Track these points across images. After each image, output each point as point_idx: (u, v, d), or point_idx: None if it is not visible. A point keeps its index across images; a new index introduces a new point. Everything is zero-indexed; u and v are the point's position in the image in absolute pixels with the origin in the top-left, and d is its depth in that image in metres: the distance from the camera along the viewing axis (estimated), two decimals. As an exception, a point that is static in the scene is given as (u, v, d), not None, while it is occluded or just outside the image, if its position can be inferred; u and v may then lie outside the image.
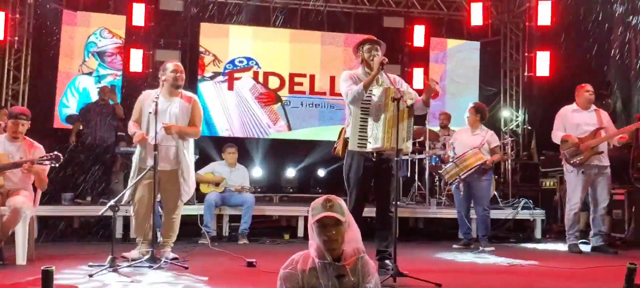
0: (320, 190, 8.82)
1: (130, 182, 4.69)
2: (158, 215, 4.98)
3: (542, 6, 8.62)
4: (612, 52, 8.90)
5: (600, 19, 8.84)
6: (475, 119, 6.04)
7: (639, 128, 5.79)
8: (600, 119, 5.68)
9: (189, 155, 4.80)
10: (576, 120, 5.73)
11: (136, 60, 8.60)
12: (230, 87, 9.34)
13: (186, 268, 4.32)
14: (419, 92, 4.33)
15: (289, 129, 9.42)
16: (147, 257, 4.36)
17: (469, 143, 5.90)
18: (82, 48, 8.90)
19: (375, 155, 4.06)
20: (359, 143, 4.08)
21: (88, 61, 8.91)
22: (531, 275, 4.47)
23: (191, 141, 4.89)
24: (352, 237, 2.45)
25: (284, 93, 9.48)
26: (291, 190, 8.73)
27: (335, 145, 4.41)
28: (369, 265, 2.47)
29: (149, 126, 4.61)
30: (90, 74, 8.90)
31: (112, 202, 4.22)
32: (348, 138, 4.19)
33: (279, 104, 9.44)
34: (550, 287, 3.81)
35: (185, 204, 6.23)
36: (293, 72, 9.53)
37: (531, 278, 4.31)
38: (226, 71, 9.34)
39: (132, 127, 4.75)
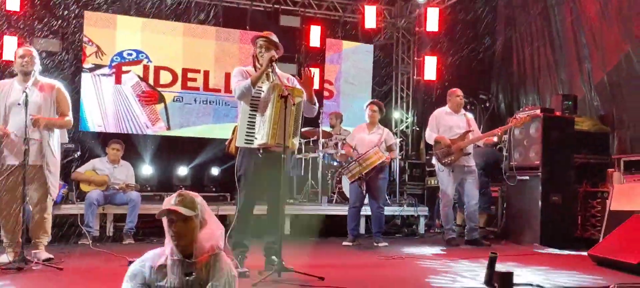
0: (214, 189, 8.63)
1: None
2: (29, 214, 4.61)
3: (431, 13, 9.10)
4: (495, 57, 9.63)
5: (485, 26, 9.55)
6: (379, 116, 6.22)
7: (508, 131, 6.31)
8: (468, 122, 6.15)
9: (55, 148, 4.48)
10: (449, 122, 6.15)
11: (10, 48, 7.87)
12: (118, 81, 8.83)
13: (61, 269, 4.05)
14: (315, 92, 4.38)
15: (168, 129, 9.05)
16: (16, 259, 4.02)
17: (368, 141, 6.06)
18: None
19: (261, 151, 4.04)
20: (246, 139, 4.06)
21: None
22: (410, 267, 4.70)
23: (57, 133, 4.55)
24: (211, 234, 2.36)
25: (176, 88, 9.14)
26: (183, 189, 8.43)
27: (227, 143, 4.36)
28: (222, 263, 2.38)
29: (8, 119, 4.26)
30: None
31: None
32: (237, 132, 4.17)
33: (162, 104, 9.05)
34: (428, 276, 4.01)
35: (63, 204, 5.86)
36: (186, 67, 9.22)
37: (410, 270, 4.52)
38: (113, 63, 8.81)
39: None
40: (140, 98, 8.91)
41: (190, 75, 9.23)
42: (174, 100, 9.10)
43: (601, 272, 4.35)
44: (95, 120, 8.64)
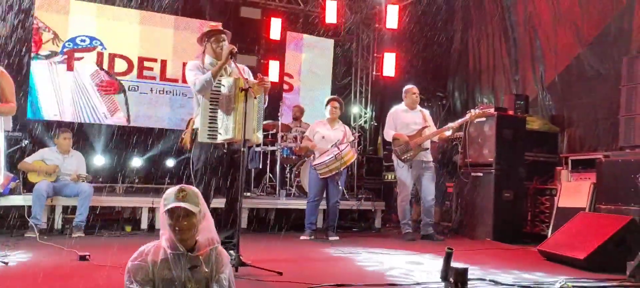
0: (168, 181, 8.45)
1: None
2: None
3: (391, 10, 9.18)
4: (452, 55, 9.81)
5: (442, 24, 9.70)
6: (340, 112, 6.24)
7: (462, 126, 6.46)
8: (424, 118, 6.27)
9: (1, 137, 4.26)
10: (406, 119, 6.26)
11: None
12: (70, 68, 8.50)
13: (6, 263, 3.87)
14: (273, 84, 4.37)
15: (128, 121, 8.85)
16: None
17: (333, 137, 6.08)
18: None
19: (226, 145, 4.00)
20: (209, 134, 4.02)
21: None
22: (369, 262, 4.73)
23: (1, 120, 4.33)
24: (207, 227, 2.42)
25: (131, 77, 8.89)
26: (136, 181, 8.23)
27: (182, 136, 4.31)
28: (223, 256, 2.46)
29: None
30: None
31: None
32: (196, 129, 4.12)
33: (122, 94, 8.80)
34: (385, 270, 4.06)
35: (10, 194, 5.60)
36: (142, 55, 8.98)
37: (366, 264, 4.55)
38: (65, 49, 8.48)
39: None
40: (100, 87, 8.62)
41: (146, 63, 9.00)
42: (129, 89, 8.85)
43: (550, 266, 4.51)
44: (51, 109, 8.30)
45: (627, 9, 6.37)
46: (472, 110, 6.35)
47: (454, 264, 3.24)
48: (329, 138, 6.08)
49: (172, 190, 2.35)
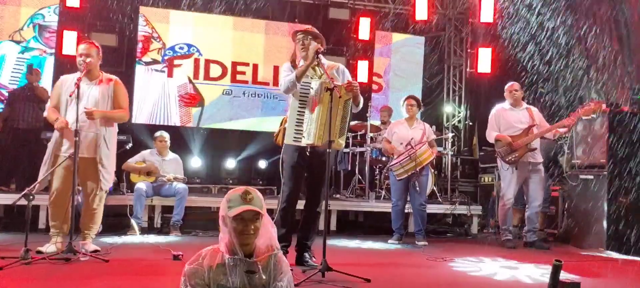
0: (260, 182, 8.61)
1: (43, 169, 4.37)
2: (80, 205, 4.69)
3: (485, 3, 8.69)
4: (557, 48, 9.12)
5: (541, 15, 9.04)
6: (417, 110, 6.02)
7: (570, 126, 5.89)
8: (531, 116, 5.80)
9: (110, 142, 4.51)
10: (510, 118, 5.84)
11: (70, 42, 8.09)
12: (170, 74, 8.94)
13: (107, 261, 4.08)
14: (362, 85, 4.23)
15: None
16: (64, 249, 4.07)
17: (410, 136, 5.84)
18: (24, 15, 8.34)
19: (309, 150, 3.94)
20: (294, 137, 4.00)
21: (25, 31, 8.34)
22: (460, 271, 4.44)
23: (114, 127, 4.59)
24: (266, 232, 2.31)
25: (226, 82, 9.17)
26: (231, 182, 8.44)
27: (275, 134, 4.32)
28: (283, 263, 2.33)
29: (67, 111, 4.33)
30: (18, 42, 8.33)
31: (26, 191, 3.91)
32: (286, 127, 4.11)
33: (199, 108, 9.04)
34: (476, 283, 3.77)
35: (114, 194, 5.95)
36: (235, 60, 9.23)
37: (460, 275, 4.26)
38: (166, 57, 8.94)
39: (50, 113, 4.45)
40: (182, 98, 8.97)
41: (239, 68, 9.24)
42: (223, 94, 9.13)
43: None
44: (141, 113, 8.77)
45: None
46: (587, 104, 5.77)
47: (564, 278, 2.89)
48: (404, 137, 5.84)
49: (236, 193, 2.26)
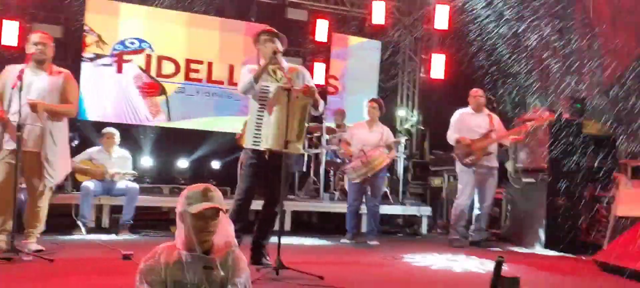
0: (214, 182, 8.48)
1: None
2: (23, 203, 4.52)
3: (440, 10, 8.92)
4: (503, 56, 9.46)
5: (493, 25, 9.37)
6: (379, 113, 6.11)
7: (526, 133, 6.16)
8: (492, 122, 6.03)
9: (57, 137, 4.36)
10: (470, 123, 6.05)
11: (10, 33, 7.74)
12: (119, 70, 8.70)
13: (52, 261, 3.96)
14: (318, 86, 4.29)
15: (169, 120, 8.90)
16: (6, 249, 3.93)
17: (369, 140, 5.95)
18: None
19: (268, 154, 3.95)
20: (254, 141, 4.01)
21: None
22: (412, 269, 4.59)
23: (63, 122, 4.45)
24: (223, 229, 2.32)
25: (179, 79, 9.01)
26: (183, 182, 8.31)
27: (238, 135, 4.35)
28: (241, 260, 2.34)
29: (11, 103, 4.16)
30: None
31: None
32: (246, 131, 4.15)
33: (164, 96, 8.88)
34: (430, 280, 3.91)
35: (58, 193, 5.75)
36: (189, 58, 9.09)
37: (413, 273, 4.40)
38: (115, 52, 8.68)
39: None
40: (141, 90, 8.78)
41: (193, 66, 9.11)
42: (176, 92, 8.98)
43: (606, 278, 4.26)
44: (95, 110, 8.51)
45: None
46: (529, 115, 6.06)
47: (505, 273, 3.05)
48: (365, 140, 5.93)
49: (195, 190, 2.25)
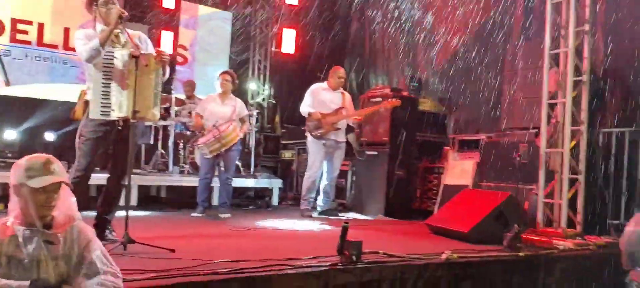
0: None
1: None
2: None
3: (290, -16, 9.04)
4: (350, 36, 9.94)
5: (342, 2, 9.76)
6: (232, 87, 6.03)
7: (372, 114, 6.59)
8: (344, 100, 6.32)
9: None
10: (324, 98, 6.27)
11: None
12: None
13: None
14: (169, 57, 4.08)
15: (8, 84, 7.94)
16: None
17: (221, 113, 5.85)
18: None
19: (121, 122, 3.70)
20: (102, 111, 3.69)
21: None
22: (265, 237, 4.71)
23: None
24: (65, 202, 2.21)
25: (3, 40, 7.97)
26: (10, 155, 7.42)
27: (74, 109, 3.94)
28: (87, 231, 2.23)
29: None
30: None
31: None
32: (89, 101, 3.79)
33: None
34: (282, 246, 4.03)
35: None
36: (16, 17, 8.06)
37: (265, 241, 4.51)
38: None
39: None
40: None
41: (20, 26, 8.10)
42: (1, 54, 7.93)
43: (437, 239, 4.76)
44: None
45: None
46: (370, 94, 6.47)
47: (350, 238, 3.29)
48: (217, 114, 5.86)
49: (36, 161, 2.12)
